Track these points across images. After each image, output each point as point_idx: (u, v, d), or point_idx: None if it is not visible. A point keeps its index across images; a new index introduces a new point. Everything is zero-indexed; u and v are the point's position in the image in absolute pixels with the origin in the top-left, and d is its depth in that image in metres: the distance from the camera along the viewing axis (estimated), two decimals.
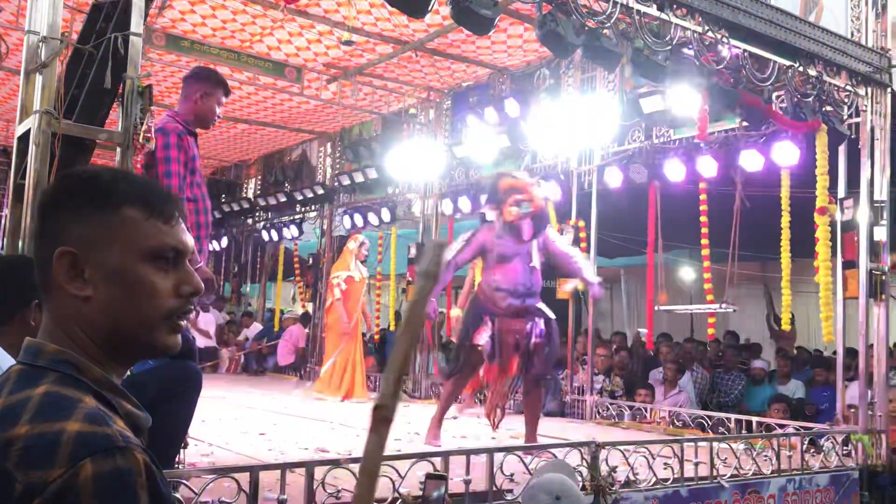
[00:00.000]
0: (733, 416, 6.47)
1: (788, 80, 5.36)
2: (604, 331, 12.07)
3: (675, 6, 4.76)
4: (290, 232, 11.89)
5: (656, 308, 7.94)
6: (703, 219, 7.36)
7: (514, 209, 5.23)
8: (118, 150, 3.20)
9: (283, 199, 11.81)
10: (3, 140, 10.81)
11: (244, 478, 3.11)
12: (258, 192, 12.87)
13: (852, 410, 5.98)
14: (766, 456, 4.97)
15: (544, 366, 5.44)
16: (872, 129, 5.93)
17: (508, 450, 4.14)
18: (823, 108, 5.65)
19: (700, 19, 4.87)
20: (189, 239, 1.19)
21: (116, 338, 1.12)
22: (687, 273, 12.93)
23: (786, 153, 6.29)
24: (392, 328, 11.79)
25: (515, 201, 5.24)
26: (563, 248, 5.69)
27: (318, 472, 3.30)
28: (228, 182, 13.57)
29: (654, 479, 4.28)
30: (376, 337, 11.47)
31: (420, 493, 3.42)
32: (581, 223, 7.69)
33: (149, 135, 3.21)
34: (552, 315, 5.51)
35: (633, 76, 6.97)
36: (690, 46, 4.92)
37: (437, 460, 3.64)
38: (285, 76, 8.35)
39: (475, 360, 5.43)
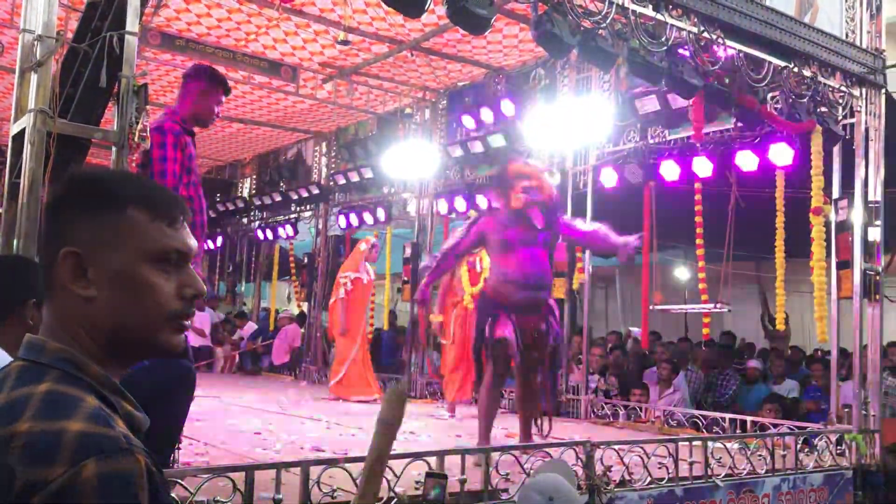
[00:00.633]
0: (728, 416, 6.49)
1: (783, 81, 5.38)
2: (599, 330, 12.10)
3: (670, 7, 4.77)
4: (286, 231, 11.88)
5: (651, 308, 7.96)
6: (697, 219, 7.39)
7: (521, 196, 4.97)
8: (113, 149, 3.19)
9: (278, 198, 11.80)
10: None
11: (239, 477, 3.10)
12: (253, 191, 12.86)
13: (846, 410, 6.00)
14: (760, 455, 4.99)
15: (555, 371, 5.25)
16: (867, 130, 5.95)
17: (504, 449, 4.14)
18: (818, 109, 5.67)
19: (695, 20, 4.88)
20: (192, 241, 1.20)
21: (119, 338, 1.13)
22: (682, 273, 12.97)
23: (780, 154, 6.31)
24: (386, 328, 11.79)
25: (524, 188, 4.99)
26: (586, 228, 5.37)
27: (314, 471, 3.31)
28: (223, 181, 13.57)
29: (648, 479, 4.28)
30: (369, 337, 11.45)
31: (416, 492, 3.42)
32: None
33: (144, 134, 3.20)
34: (557, 310, 5.29)
35: (628, 76, 6.99)
36: (686, 47, 4.93)
37: (433, 459, 3.64)
38: (281, 75, 8.34)
39: (504, 356, 5.00)
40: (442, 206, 9.16)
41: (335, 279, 8.69)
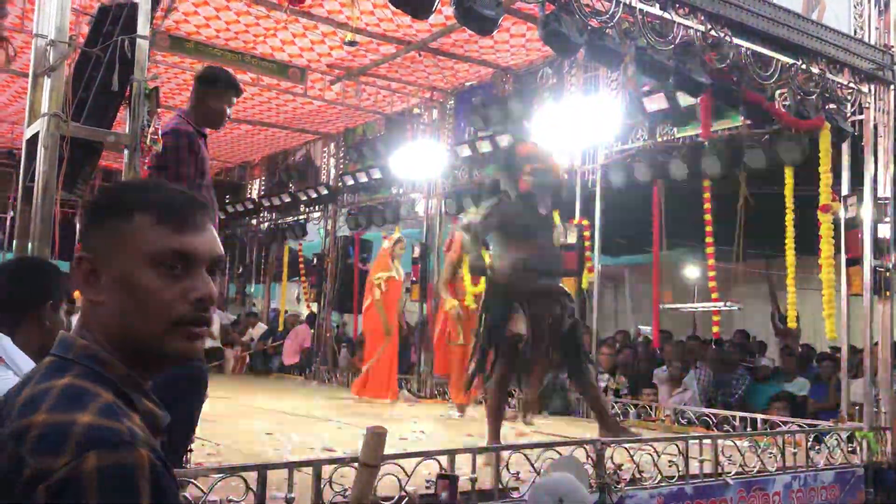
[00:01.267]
0: (738, 414, 6.48)
1: (791, 78, 5.37)
2: (608, 329, 12.09)
3: (677, 5, 4.77)
4: (295, 232, 11.92)
5: (661, 306, 7.95)
6: (707, 217, 7.38)
7: (528, 178, 4.89)
8: (126, 151, 3.23)
9: (287, 199, 11.84)
10: (8, 143, 10.85)
11: (252, 477, 3.12)
12: (262, 192, 12.90)
13: (856, 407, 5.99)
14: (770, 453, 4.98)
15: (582, 346, 5.11)
16: (876, 127, 5.93)
17: (514, 448, 4.15)
18: (826, 106, 5.66)
19: (703, 18, 4.88)
20: (207, 244, 1.18)
21: (128, 344, 1.14)
22: (691, 271, 12.95)
23: (789, 151, 6.30)
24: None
25: (532, 170, 4.91)
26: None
27: (326, 470, 3.33)
28: (233, 183, 13.62)
29: (659, 477, 4.29)
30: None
31: (426, 491, 3.44)
32: (585, 222, 7.70)
33: (156, 137, 3.23)
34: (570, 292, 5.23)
35: (636, 75, 6.98)
36: (693, 45, 4.94)
37: (444, 458, 3.66)
38: (289, 77, 8.37)
39: (516, 354, 4.86)
40: (450, 207, 9.17)
41: (367, 282, 8.61)
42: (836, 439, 5.46)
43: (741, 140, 6.77)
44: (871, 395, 5.78)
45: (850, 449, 5.51)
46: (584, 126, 7.40)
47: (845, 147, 6.10)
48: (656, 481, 4.26)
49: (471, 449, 3.89)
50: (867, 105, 5.93)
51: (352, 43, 7.31)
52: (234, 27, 7.35)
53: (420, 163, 9.08)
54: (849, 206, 6.07)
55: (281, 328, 12.39)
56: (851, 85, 5.83)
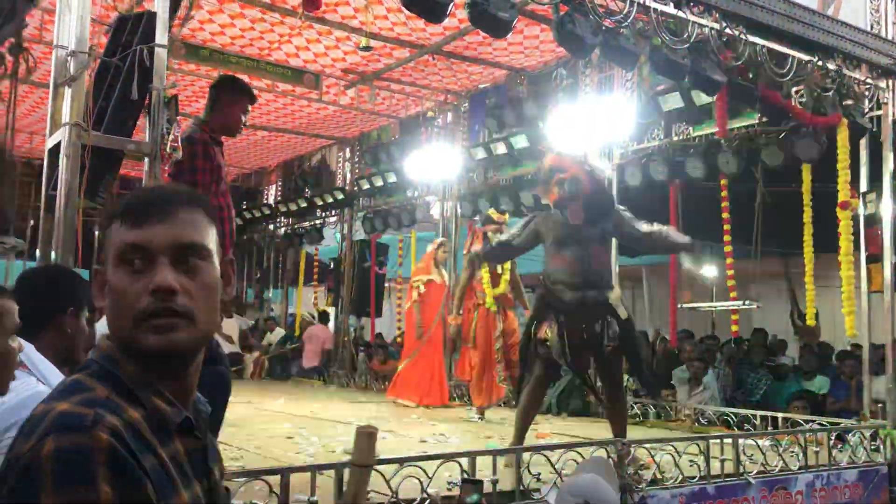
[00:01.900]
0: (759, 413, 6.44)
1: (808, 75, 5.35)
2: None
3: (692, 3, 4.77)
4: (311, 237, 11.97)
5: (679, 306, 7.91)
6: (724, 215, 7.34)
7: (556, 189, 4.76)
8: (146, 159, 3.26)
9: (303, 204, 11.89)
10: (27, 152, 10.95)
11: (275, 480, 3.15)
12: (279, 198, 12.97)
13: (879, 405, 5.93)
14: (792, 452, 4.95)
15: (619, 375, 4.97)
16: (894, 122, 5.89)
17: (535, 449, 4.16)
18: (844, 102, 5.63)
19: (717, 16, 4.87)
20: (167, 236, 1.15)
21: (120, 344, 1.16)
22: (709, 270, 12.87)
23: (807, 148, 6.26)
24: None
25: (559, 180, 4.77)
26: (641, 229, 5.00)
27: (347, 473, 3.34)
28: (249, 189, 13.70)
29: (680, 477, 4.27)
30: (399, 340, 11.49)
31: (448, 493, 3.45)
32: None
33: (175, 144, 3.27)
34: (625, 313, 4.87)
35: (651, 74, 6.97)
36: (708, 43, 4.92)
37: (465, 461, 3.67)
38: (304, 83, 8.41)
39: (547, 358, 4.81)
40: (465, 209, 9.18)
41: (408, 284, 8.60)
42: (860, 437, 5.41)
43: (758, 138, 6.73)
44: (893, 393, 5.73)
45: (873, 447, 5.47)
46: (600, 126, 7.38)
47: (863, 143, 6.06)
48: (678, 481, 4.25)
49: (491, 451, 3.90)
50: (885, 101, 5.89)
51: (366, 48, 7.35)
52: (249, 34, 7.40)
53: (435, 166, 9.09)
54: (868, 203, 6.03)
55: (297, 332, 12.44)
56: (869, 80, 5.79)
